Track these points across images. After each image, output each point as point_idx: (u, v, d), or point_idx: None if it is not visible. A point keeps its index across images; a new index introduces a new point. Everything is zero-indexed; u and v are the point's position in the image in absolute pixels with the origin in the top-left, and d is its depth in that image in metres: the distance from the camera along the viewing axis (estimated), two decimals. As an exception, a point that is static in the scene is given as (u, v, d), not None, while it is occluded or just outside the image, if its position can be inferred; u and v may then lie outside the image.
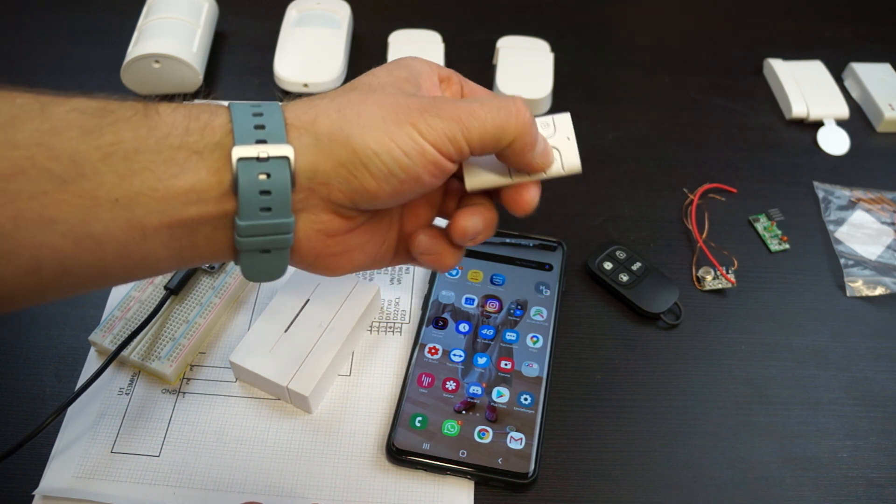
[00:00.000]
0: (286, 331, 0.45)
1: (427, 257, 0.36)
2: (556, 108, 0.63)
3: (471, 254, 0.51)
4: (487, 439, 0.42)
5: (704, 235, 0.54)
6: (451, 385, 0.45)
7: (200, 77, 0.61)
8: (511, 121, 0.31)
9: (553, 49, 0.65)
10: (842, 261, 0.54)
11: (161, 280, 0.48)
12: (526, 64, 0.63)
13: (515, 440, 0.42)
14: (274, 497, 0.41)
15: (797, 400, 0.47)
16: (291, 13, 0.66)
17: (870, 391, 0.47)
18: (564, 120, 0.35)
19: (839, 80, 0.68)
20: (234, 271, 0.49)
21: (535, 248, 0.52)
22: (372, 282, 0.49)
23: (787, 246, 0.55)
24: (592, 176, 0.59)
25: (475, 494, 0.41)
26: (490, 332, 0.47)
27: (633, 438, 0.44)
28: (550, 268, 0.50)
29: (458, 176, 0.35)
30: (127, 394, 0.45)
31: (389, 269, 0.52)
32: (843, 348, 0.49)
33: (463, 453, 0.42)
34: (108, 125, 0.28)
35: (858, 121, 0.65)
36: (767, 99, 0.66)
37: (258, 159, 0.28)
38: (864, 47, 0.71)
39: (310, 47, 0.63)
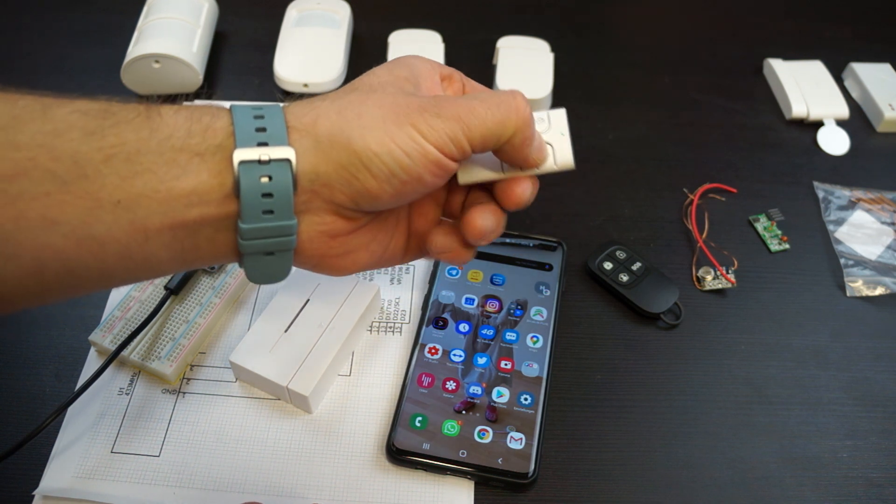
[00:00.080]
0: (286, 331, 0.45)
1: (444, 255, 0.36)
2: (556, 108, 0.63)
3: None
4: (487, 439, 0.42)
5: (704, 235, 0.54)
6: (451, 385, 0.45)
7: (200, 77, 0.61)
8: (511, 116, 0.31)
9: (553, 49, 0.65)
10: (842, 261, 0.54)
11: (161, 280, 0.48)
12: (526, 64, 0.63)
13: (515, 440, 0.42)
14: (274, 497, 0.41)
15: (797, 400, 0.47)
16: (291, 13, 0.66)
17: (870, 391, 0.47)
18: (559, 116, 0.35)
19: (839, 80, 0.68)
20: (234, 271, 0.49)
21: (535, 248, 0.52)
22: (372, 282, 0.49)
23: (787, 246, 0.55)
24: (592, 176, 0.59)
25: (475, 494, 0.41)
26: (490, 332, 0.47)
27: (633, 438, 0.44)
28: (550, 268, 0.50)
29: None
30: (127, 394, 0.45)
31: (389, 268, 0.52)
32: (843, 348, 0.49)
33: (463, 453, 0.42)
34: (110, 127, 0.28)
35: (858, 121, 0.65)
36: (767, 99, 0.66)
37: (259, 162, 0.28)
38: (864, 47, 0.71)
39: (310, 47, 0.63)
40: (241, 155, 0.28)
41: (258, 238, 0.30)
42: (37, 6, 0.71)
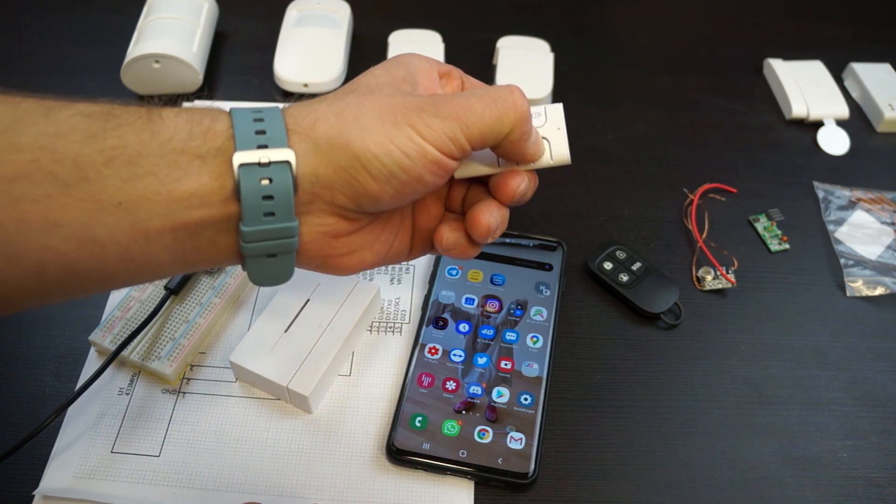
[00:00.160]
0: (286, 331, 0.45)
1: (453, 251, 0.36)
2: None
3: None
4: (487, 439, 0.42)
5: (704, 235, 0.54)
6: (451, 385, 0.45)
7: (200, 77, 0.61)
8: (509, 112, 0.31)
9: (553, 49, 0.65)
10: (842, 261, 0.54)
11: (161, 280, 0.48)
12: (526, 64, 0.63)
13: (515, 440, 0.42)
14: (274, 497, 0.41)
15: (797, 400, 0.47)
16: (291, 13, 0.66)
17: (870, 391, 0.47)
18: (557, 110, 0.35)
19: (839, 80, 0.68)
20: (234, 271, 0.49)
21: (535, 248, 0.52)
22: (372, 282, 0.49)
23: (787, 246, 0.55)
24: (592, 176, 0.59)
25: (475, 494, 0.41)
26: (490, 332, 0.47)
27: (633, 438, 0.44)
28: (550, 268, 0.50)
29: None
30: (127, 394, 0.45)
31: (389, 269, 0.52)
32: (843, 348, 0.49)
33: (463, 453, 0.42)
34: (112, 129, 0.28)
35: (858, 121, 0.65)
36: (767, 99, 0.66)
37: (259, 164, 0.29)
38: (864, 47, 0.71)
39: (310, 47, 0.63)
40: (241, 157, 0.29)
41: (260, 240, 0.30)
42: (37, 6, 0.71)
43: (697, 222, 0.55)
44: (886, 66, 0.67)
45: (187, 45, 0.60)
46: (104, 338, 0.45)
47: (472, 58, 0.67)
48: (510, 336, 0.47)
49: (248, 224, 0.29)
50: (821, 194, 0.58)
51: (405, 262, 0.52)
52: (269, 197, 0.29)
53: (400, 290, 0.50)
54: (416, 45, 0.65)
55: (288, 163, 0.29)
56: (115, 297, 0.49)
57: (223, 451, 0.43)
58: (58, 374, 0.46)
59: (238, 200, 0.29)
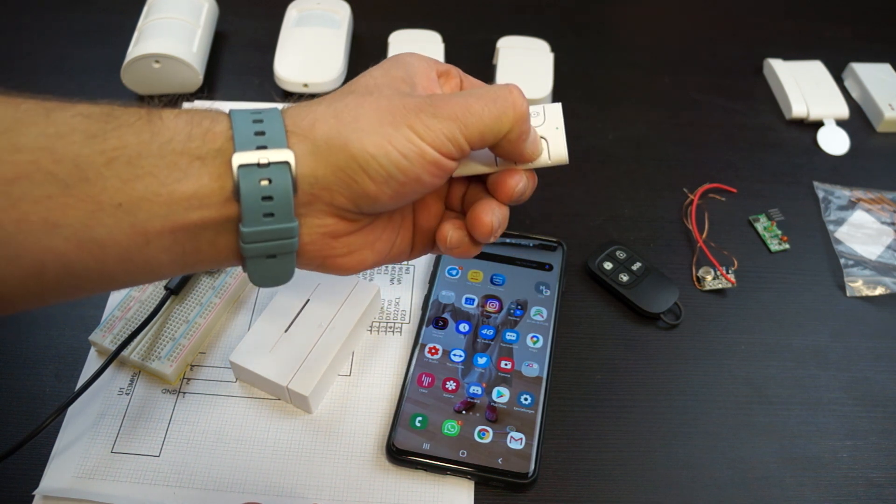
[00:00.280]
0: (286, 331, 0.45)
1: (455, 250, 0.36)
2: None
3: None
4: (487, 439, 0.42)
5: (704, 235, 0.54)
6: (451, 385, 0.45)
7: (200, 77, 0.61)
8: (508, 111, 0.31)
9: (553, 49, 0.65)
10: (842, 261, 0.54)
11: (161, 280, 0.48)
12: (526, 64, 0.63)
13: (515, 440, 0.42)
14: (274, 497, 0.41)
15: (797, 400, 0.47)
16: (291, 13, 0.66)
17: (870, 391, 0.47)
18: (555, 110, 0.35)
19: (839, 80, 0.68)
20: (234, 271, 0.49)
21: (535, 248, 0.52)
22: (372, 282, 0.49)
23: (787, 246, 0.55)
24: (592, 176, 0.59)
25: (475, 494, 0.41)
26: (490, 332, 0.47)
27: (633, 438, 0.44)
28: (550, 268, 0.50)
29: None
30: (127, 394, 0.45)
31: (389, 269, 0.52)
32: (843, 348, 0.49)
33: (463, 453, 0.42)
34: (112, 130, 0.28)
35: (858, 121, 0.65)
36: (767, 99, 0.66)
37: (259, 165, 0.29)
38: (864, 47, 0.71)
39: (310, 47, 0.63)
40: (240, 158, 0.29)
41: (259, 241, 0.30)
42: (37, 6, 0.71)
43: (697, 222, 0.55)
44: (886, 66, 0.67)
45: (187, 45, 0.60)
46: (104, 338, 0.45)
47: (472, 58, 0.67)
48: (510, 336, 0.47)
49: (247, 225, 0.29)
50: (821, 194, 0.58)
51: (405, 262, 0.52)
52: (269, 198, 0.29)
53: (400, 290, 0.50)
54: (416, 45, 0.65)
55: (287, 163, 0.29)
56: (116, 297, 0.49)
57: (223, 451, 0.43)
58: (58, 374, 0.46)
59: (238, 201, 0.29)
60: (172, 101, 0.61)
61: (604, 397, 0.46)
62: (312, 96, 0.61)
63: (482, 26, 0.70)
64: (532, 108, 0.35)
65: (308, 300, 0.46)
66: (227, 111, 0.31)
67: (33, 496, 0.40)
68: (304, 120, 0.30)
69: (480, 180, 0.36)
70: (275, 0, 0.68)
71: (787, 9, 0.76)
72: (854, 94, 0.67)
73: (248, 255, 0.30)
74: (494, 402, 0.44)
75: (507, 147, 0.33)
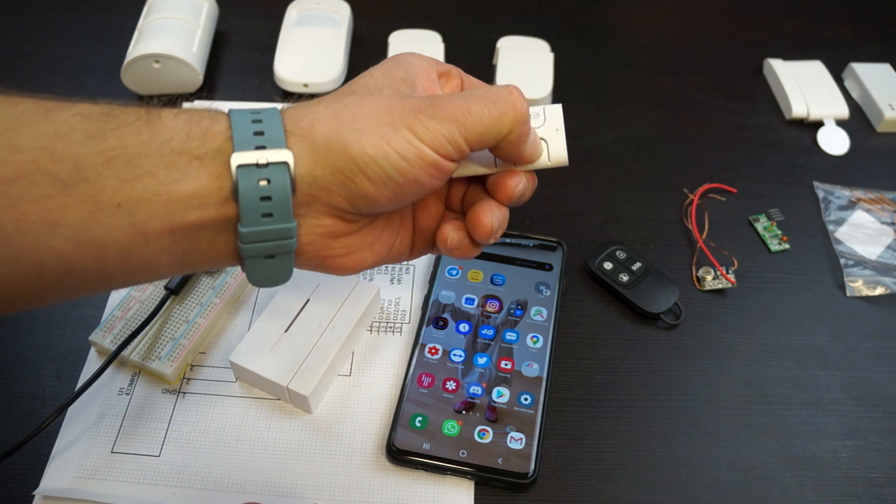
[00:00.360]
0: (286, 331, 0.45)
1: (456, 252, 0.36)
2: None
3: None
4: (487, 439, 0.42)
5: (704, 235, 0.54)
6: (451, 385, 0.45)
7: (200, 77, 0.61)
8: (508, 112, 0.31)
9: (553, 49, 0.65)
10: (842, 261, 0.54)
11: (161, 280, 0.48)
12: (526, 64, 0.63)
13: (515, 440, 0.42)
14: (274, 497, 0.41)
15: (797, 400, 0.47)
16: (291, 13, 0.66)
17: (870, 391, 0.47)
18: (556, 111, 0.35)
19: (839, 80, 0.68)
20: (234, 271, 0.49)
21: (535, 248, 0.52)
22: (372, 282, 0.49)
23: (787, 246, 0.55)
24: (592, 176, 0.59)
25: (475, 494, 0.41)
26: (490, 332, 0.47)
27: (633, 438, 0.44)
28: (550, 268, 0.50)
29: None
30: (127, 394, 0.45)
31: (389, 269, 0.52)
32: (843, 348, 0.49)
33: (463, 453, 0.42)
34: (111, 130, 0.28)
35: (858, 121, 0.65)
36: (767, 99, 0.66)
37: (257, 165, 0.28)
38: (864, 47, 0.71)
39: (310, 47, 0.63)
40: (238, 158, 0.28)
41: (258, 241, 0.30)
42: (37, 6, 0.71)
43: (697, 222, 0.55)
44: (886, 66, 0.67)
45: (187, 45, 0.60)
46: (104, 338, 0.45)
47: (472, 58, 0.67)
48: (510, 336, 0.47)
49: (246, 225, 0.29)
50: (821, 194, 0.58)
51: (405, 262, 0.52)
52: (268, 198, 0.29)
53: (400, 290, 0.50)
54: (416, 45, 0.65)
55: (286, 164, 0.29)
56: (116, 297, 0.49)
57: (223, 451, 0.43)
58: (58, 374, 0.46)
59: (236, 201, 0.29)
60: (172, 101, 0.61)
61: (604, 397, 0.46)
62: (312, 96, 0.61)
63: (482, 26, 0.70)
64: (532, 110, 0.35)
65: (308, 300, 0.46)
66: (226, 111, 0.31)
67: (33, 496, 0.40)
68: (303, 120, 0.30)
69: (480, 181, 0.36)
70: (275, 0, 0.68)
71: (787, 9, 0.76)
72: (854, 94, 0.67)
73: (246, 255, 0.30)
74: (494, 402, 0.44)
75: (507, 148, 0.33)
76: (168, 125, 0.29)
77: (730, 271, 0.52)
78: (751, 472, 0.43)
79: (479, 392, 0.44)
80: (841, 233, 0.56)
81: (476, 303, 0.49)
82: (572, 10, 0.74)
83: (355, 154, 0.29)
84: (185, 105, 0.61)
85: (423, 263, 0.52)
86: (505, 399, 0.44)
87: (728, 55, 0.70)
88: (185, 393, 0.45)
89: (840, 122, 0.64)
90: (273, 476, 0.42)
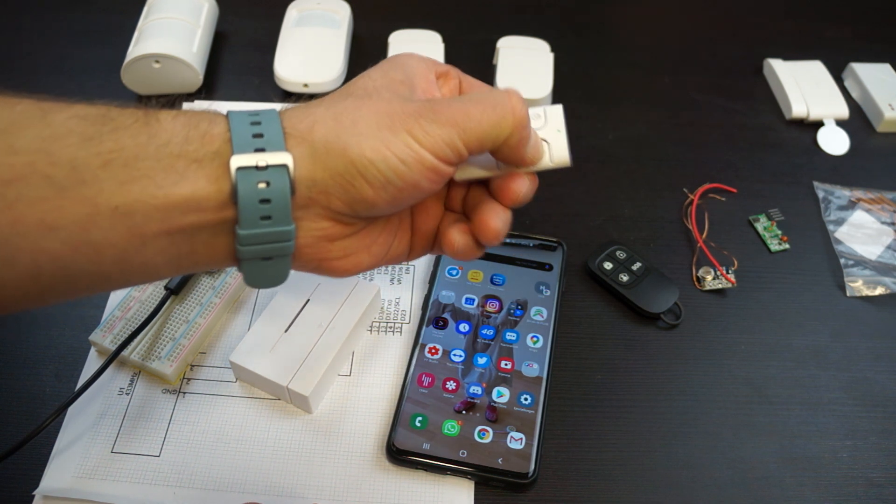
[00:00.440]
0: (286, 331, 0.45)
1: (461, 255, 0.36)
2: (556, 108, 0.63)
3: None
4: (487, 439, 0.42)
5: (704, 235, 0.54)
6: (451, 385, 0.45)
7: (200, 77, 0.61)
8: (507, 117, 0.31)
9: (553, 49, 0.65)
10: (842, 261, 0.54)
11: (158, 281, 0.48)
12: (526, 64, 0.63)
13: (515, 440, 0.42)
14: (274, 497, 0.41)
15: (797, 400, 0.47)
16: (291, 13, 0.66)
17: (870, 391, 0.47)
18: (556, 112, 0.35)
19: (839, 80, 0.68)
20: (234, 272, 0.49)
21: (535, 248, 0.52)
22: (372, 282, 0.49)
23: (787, 246, 0.55)
24: (592, 176, 0.59)
25: (475, 494, 0.41)
26: (490, 332, 0.47)
27: (633, 438, 0.44)
28: (550, 268, 0.50)
29: None
30: (127, 394, 0.45)
31: (389, 269, 0.52)
32: (843, 348, 0.49)
33: (463, 453, 0.42)
34: (109, 132, 0.28)
35: (858, 121, 0.65)
36: (767, 99, 0.66)
37: (257, 168, 0.28)
38: (864, 47, 0.71)
39: (310, 47, 0.63)
40: (238, 161, 0.28)
41: (256, 243, 0.30)
42: (37, 6, 0.71)
43: (697, 222, 0.55)
44: (886, 66, 0.67)
45: (187, 45, 0.60)
46: (104, 338, 0.45)
47: (472, 58, 0.67)
48: (510, 336, 0.47)
49: (244, 227, 0.29)
50: (821, 194, 0.58)
51: (405, 262, 0.52)
52: (266, 200, 0.29)
53: (400, 290, 0.50)
54: (416, 45, 0.65)
55: (285, 166, 0.29)
56: (116, 297, 0.49)
57: (223, 451, 0.43)
58: (58, 374, 0.46)
59: (235, 204, 0.29)
60: (172, 101, 0.61)
61: (604, 397, 0.46)
62: (312, 96, 0.61)
63: (482, 26, 0.70)
64: (533, 111, 0.35)
65: (308, 300, 0.46)
66: (224, 113, 0.31)
67: (33, 496, 0.40)
68: (302, 122, 0.30)
69: (482, 182, 0.36)
70: (275, 0, 0.68)
71: (787, 9, 0.76)
72: (854, 94, 0.67)
73: (243, 257, 0.30)
74: (494, 402, 0.44)
75: (508, 152, 0.33)
76: (166, 127, 0.29)
77: (730, 271, 0.52)
78: (751, 472, 0.43)
79: (479, 392, 0.44)
80: (841, 233, 0.56)
81: (476, 303, 0.49)
82: (572, 10, 0.74)
83: (355, 157, 0.29)
84: (185, 105, 0.61)
85: (423, 263, 0.52)
86: (505, 399, 0.44)
87: (728, 55, 0.70)
88: (185, 393, 0.45)
89: (840, 122, 0.64)
90: (273, 476, 0.42)
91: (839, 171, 0.61)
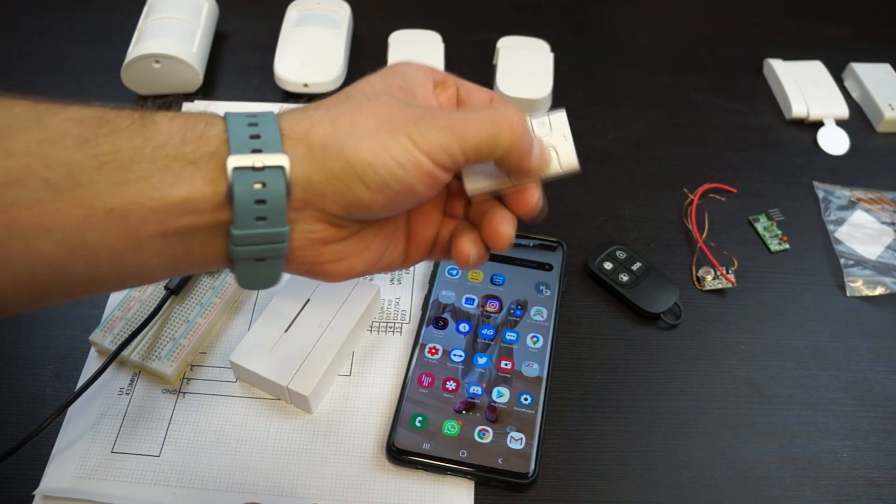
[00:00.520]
0: (286, 331, 0.45)
1: (473, 265, 0.36)
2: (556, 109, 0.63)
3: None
4: (487, 439, 0.42)
5: (704, 235, 0.54)
6: (451, 385, 0.45)
7: (200, 77, 0.61)
8: (504, 131, 0.31)
9: (553, 49, 0.65)
10: (842, 261, 0.54)
11: (153, 283, 0.48)
12: (526, 64, 0.63)
13: (515, 440, 0.42)
14: (274, 497, 0.41)
15: (797, 400, 0.47)
16: (291, 13, 0.66)
17: (870, 391, 0.47)
18: (560, 118, 0.35)
19: (839, 80, 0.68)
20: (234, 271, 0.49)
21: (535, 248, 0.52)
22: (372, 282, 0.49)
23: (787, 246, 0.55)
24: (592, 176, 0.59)
25: (475, 494, 0.41)
26: (490, 332, 0.47)
27: (633, 438, 0.44)
28: (550, 268, 0.51)
29: (459, 176, 0.35)
30: (127, 394, 0.45)
31: (389, 269, 0.52)
32: (843, 348, 0.49)
33: (463, 453, 0.42)
34: (105, 135, 0.27)
35: (858, 121, 0.65)
36: (767, 99, 0.66)
37: (254, 168, 0.28)
38: (864, 47, 0.71)
39: (310, 47, 0.63)
40: (235, 161, 0.28)
41: (250, 244, 0.30)
42: (37, 6, 0.71)
43: (697, 222, 0.55)
44: (886, 66, 0.67)
45: (187, 45, 0.60)
46: (104, 338, 0.45)
47: (472, 58, 0.67)
48: (510, 336, 0.47)
49: (239, 227, 0.29)
50: (821, 194, 0.58)
51: (401, 270, 0.52)
52: (262, 201, 0.29)
53: (400, 290, 0.50)
54: (416, 45, 0.65)
55: (282, 168, 0.29)
56: (116, 297, 0.49)
57: (223, 451, 0.43)
58: (58, 374, 0.46)
59: (230, 204, 0.29)
60: (172, 101, 0.61)
61: (604, 397, 0.46)
62: (312, 96, 0.62)
63: (482, 26, 0.70)
64: (537, 119, 0.35)
65: (308, 300, 0.46)
66: (222, 114, 0.31)
67: (33, 496, 0.40)
68: (299, 124, 0.30)
69: None
70: (275, 0, 0.68)
71: (787, 9, 0.76)
72: (854, 94, 0.67)
73: (237, 257, 0.30)
74: (494, 402, 0.44)
75: (511, 164, 0.33)
76: (162, 129, 0.29)
77: (730, 271, 0.52)
78: (751, 472, 0.43)
79: (479, 392, 0.44)
80: (841, 233, 0.56)
81: (476, 303, 0.49)
82: (572, 10, 0.74)
83: (353, 159, 0.29)
84: (185, 105, 0.61)
85: (423, 263, 0.52)
86: (505, 399, 0.44)
87: (728, 55, 0.70)
88: (185, 393, 0.45)
89: (840, 122, 0.64)
90: (273, 476, 0.42)
91: (839, 171, 0.61)
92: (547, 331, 0.47)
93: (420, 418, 0.43)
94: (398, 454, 0.42)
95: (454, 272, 0.50)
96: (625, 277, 0.51)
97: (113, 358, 0.44)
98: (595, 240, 0.54)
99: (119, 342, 0.44)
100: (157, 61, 0.59)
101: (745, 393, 0.47)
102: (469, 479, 0.42)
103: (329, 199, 0.30)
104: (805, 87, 0.65)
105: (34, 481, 0.41)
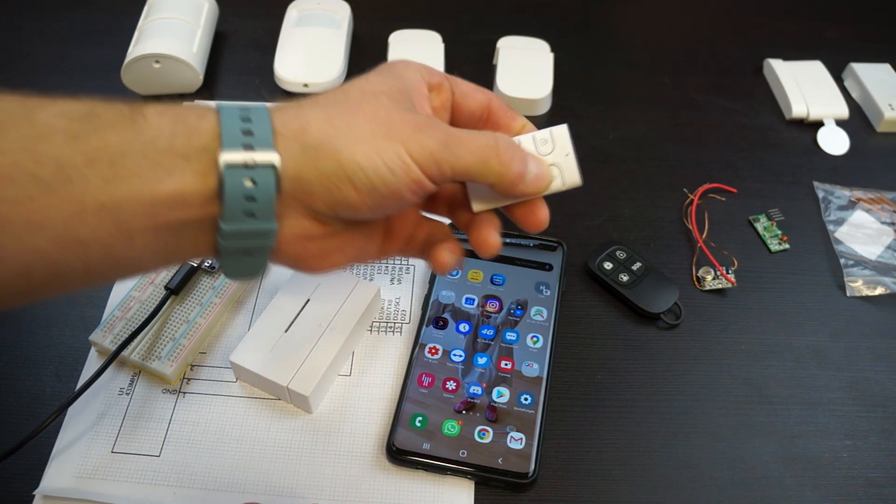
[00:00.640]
0: (286, 331, 0.45)
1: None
2: (556, 109, 0.63)
3: (472, 253, 0.51)
4: (487, 439, 0.42)
5: (704, 235, 0.54)
6: (451, 385, 0.45)
7: (200, 77, 0.61)
8: (493, 163, 0.32)
9: (553, 49, 0.65)
10: (842, 261, 0.54)
11: (161, 280, 0.48)
12: (526, 64, 0.63)
13: (515, 440, 0.42)
14: (274, 497, 0.41)
15: (797, 400, 0.47)
16: (291, 13, 0.66)
17: (870, 391, 0.47)
18: (563, 135, 0.36)
19: (839, 80, 0.68)
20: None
21: (535, 248, 0.52)
22: (372, 282, 0.49)
23: (787, 246, 0.55)
24: (592, 176, 0.59)
25: (475, 494, 0.41)
26: (490, 332, 0.47)
27: (633, 438, 0.44)
28: (550, 268, 0.51)
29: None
30: (127, 394, 0.45)
31: (389, 269, 0.52)
32: (843, 348, 0.49)
33: (463, 453, 0.42)
34: (94, 130, 0.27)
35: (858, 121, 0.65)
36: (767, 99, 0.66)
37: (245, 165, 0.28)
38: (864, 47, 0.71)
39: (310, 47, 0.63)
40: (226, 157, 0.28)
41: (238, 238, 0.30)
42: (37, 6, 0.71)
43: (697, 222, 0.55)
44: (886, 66, 0.67)
45: (187, 45, 0.60)
46: (104, 338, 0.45)
47: (472, 58, 0.67)
48: (510, 336, 0.47)
49: (227, 222, 0.29)
50: (821, 194, 0.58)
51: (406, 262, 0.52)
52: (252, 198, 0.29)
53: (400, 290, 0.50)
54: (416, 45, 0.65)
55: (273, 166, 0.29)
56: (116, 297, 0.49)
57: (223, 451, 0.43)
58: (58, 374, 0.46)
59: (220, 199, 0.29)
60: (172, 101, 0.61)
61: (604, 397, 0.46)
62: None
63: (482, 26, 0.70)
64: (540, 135, 0.35)
65: (308, 300, 0.46)
66: (214, 107, 0.31)
67: (33, 496, 0.40)
68: (293, 121, 0.30)
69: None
70: (275, 0, 0.68)
71: (787, 9, 0.76)
72: (854, 94, 0.67)
73: (224, 250, 0.30)
74: (494, 402, 0.44)
75: (505, 191, 0.33)
76: (152, 123, 0.28)
77: (730, 271, 0.52)
78: (751, 472, 0.43)
79: (479, 392, 0.44)
80: (841, 233, 0.56)
81: (476, 303, 0.49)
82: (572, 10, 0.74)
83: (345, 161, 0.29)
84: (185, 105, 0.61)
85: (423, 263, 0.52)
86: (505, 399, 0.44)
87: (728, 55, 0.70)
88: (185, 393, 0.45)
89: (840, 122, 0.64)
90: (273, 476, 0.42)
91: (839, 171, 0.61)
92: (547, 331, 0.47)
93: (420, 418, 0.43)
94: (398, 454, 0.42)
95: (454, 272, 0.50)
96: (625, 277, 0.51)
97: (113, 358, 0.44)
98: (595, 240, 0.54)
99: (119, 342, 0.44)
100: (157, 61, 0.59)
101: (745, 393, 0.47)
102: (469, 479, 0.42)
103: (317, 198, 0.30)
104: (805, 87, 0.65)
105: (34, 481, 0.41)
